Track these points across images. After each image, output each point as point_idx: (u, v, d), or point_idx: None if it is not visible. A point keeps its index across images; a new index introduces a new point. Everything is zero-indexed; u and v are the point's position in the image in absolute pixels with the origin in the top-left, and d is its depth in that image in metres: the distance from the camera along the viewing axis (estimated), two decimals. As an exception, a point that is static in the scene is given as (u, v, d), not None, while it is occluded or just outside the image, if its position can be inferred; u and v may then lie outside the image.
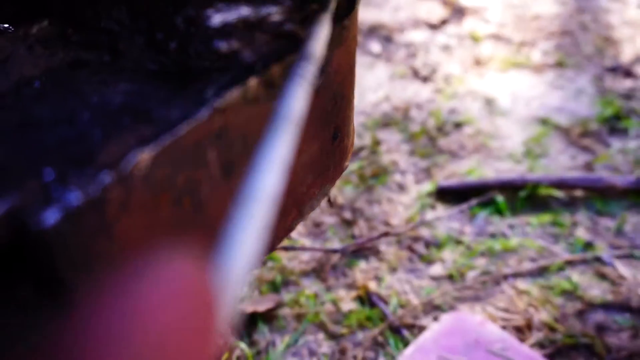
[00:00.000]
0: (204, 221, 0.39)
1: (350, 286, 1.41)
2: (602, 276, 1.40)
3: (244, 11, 0.40)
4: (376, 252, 1.50)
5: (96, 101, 0.37)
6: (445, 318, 1.27)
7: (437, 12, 2.79)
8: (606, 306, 1.32)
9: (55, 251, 0.30)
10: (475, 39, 2.53)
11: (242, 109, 0.38)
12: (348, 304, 1.37)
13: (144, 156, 0.33)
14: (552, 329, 1.26)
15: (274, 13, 0.41)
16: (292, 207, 0.48)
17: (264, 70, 0.39)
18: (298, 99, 0.34)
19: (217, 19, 0.39)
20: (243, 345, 1.25)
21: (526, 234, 1.54)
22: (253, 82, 0.39)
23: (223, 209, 0.40)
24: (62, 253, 0.30)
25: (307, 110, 0.45)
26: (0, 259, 0.30)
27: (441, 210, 1.63)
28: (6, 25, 0.61)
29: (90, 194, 0.30)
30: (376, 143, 1.88)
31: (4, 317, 0.31)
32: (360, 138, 1.91)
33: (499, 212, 1.60)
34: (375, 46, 2.50)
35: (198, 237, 0.39)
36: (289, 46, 0.42)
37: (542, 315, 1.30)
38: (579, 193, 1.64)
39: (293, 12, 0.42)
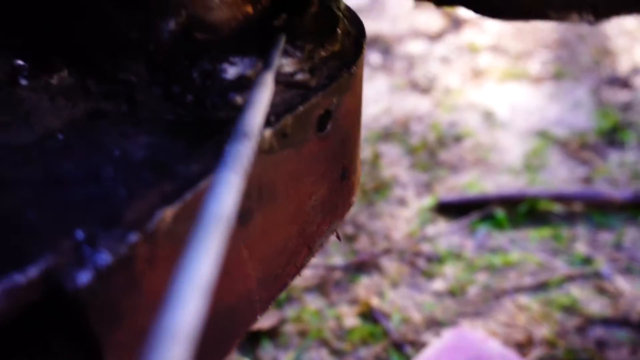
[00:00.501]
0: (221, 267, 0.40)
1: (353, 302, 1.43)
2: (602, 291, 1.42)
3: (258, 64, 0.42)
4: (378, 268, 1.51)
5: (118, 155, 0.38)
6: (447, 334, 1.29)
7: (436, 23, 2.81)
8: (606, 321, 1.33)
9: (87, 308, 0.31)
10: (473, 50, 2.55)
11: (257, 159, 0.40)
12: (351, 320, 1.38)
13: (167, 213, 0.34)
14: (552, 345, 1.28)
15: (285, 64, 0.43)
16: (303, 247, 0.50)
17: (277, 121, 0.41)
18: (231, 191, 0.29)
19: (232, 71, 0.41)
20: (248, 362, 1.27)
21: (526, 248, 1.56)
22: (268, 133, 0.40)
23: (238, 255, 0.42)
24: (94, 309, 0.32)
25: (314, 155, 0.46)
26: (35, 315, 0.32)
27: (442, 224, 1.64)
28: (21, 63, 0.63)
29: (119, 254, 0.32)
30: (377, 157, 1.90)
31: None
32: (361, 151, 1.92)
33: (499, 226, 1.62)
34: (374, 58, 2.52)
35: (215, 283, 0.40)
36: (299, 95, 0.44)
37: (543, 331, 1.32)
38: (578, 207, 1.66)
39: (303, 62, 0.44)
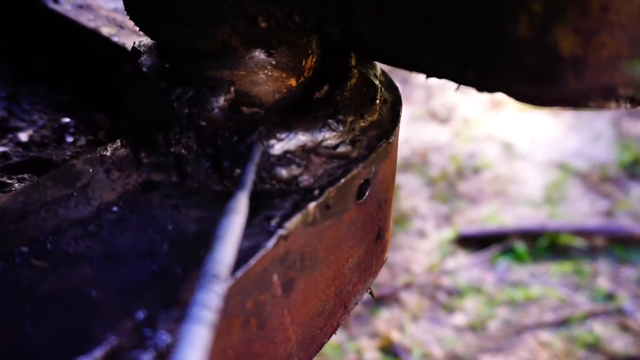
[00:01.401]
0: (265, 335, 0.42)
1: (373, 335, 1.43)
2: (625, 328, 1.41)
3: (302, 138, 0.44)
4: (398, 301, 1.52)
5: (172, 230, 0.40)
6: (469, 370, 1.29)
7: (454, 52, 2.84)
8: (630, 360, 1.32)
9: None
10: (492, 80, 2.57)
11: (302, 232, 0.42)
12: (371, 354, 1.39)
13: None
14: (576, 384, 1.27)
15: (328, 138, 0.45)
16: (340, 307, 0.51)
17: (321, 194, 0.43)
18: (197, 349, 0.28)
19: (278, 147, 0.43)
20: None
21: (547, 282, 1.55)
22: (312, 206, 0.42)
23: (281, 321, 0.43)
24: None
25: (353, 221, 0.48)
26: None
27: (462, 257, 1.65)
28: (67, 120, 0.66)
29: (177, 334, 0.33)
30: (396, 188, 1.91)
31: None
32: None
33: (520, 260, 1.62)
34: (393, 87, 2.55)
35: (259, 349, 0.42)
36: (341, 167, 0.45)
37: (566, 369, 1.31)
38: (599, 241, 1.65)
39: (344, 134, 0.46)
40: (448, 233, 1.72)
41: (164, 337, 0.33)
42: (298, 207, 0.42)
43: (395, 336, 1.41)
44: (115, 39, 0.66)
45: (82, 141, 0.63)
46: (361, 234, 0.50)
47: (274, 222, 0.40)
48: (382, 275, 1.58)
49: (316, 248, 0.44)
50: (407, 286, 1.54)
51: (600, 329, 1.41)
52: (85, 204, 0.42)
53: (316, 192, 0.43)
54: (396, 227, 1.75)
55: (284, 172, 0.43)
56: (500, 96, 0.40)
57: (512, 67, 0.35)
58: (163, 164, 0.45)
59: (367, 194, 0.48)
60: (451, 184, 1.93)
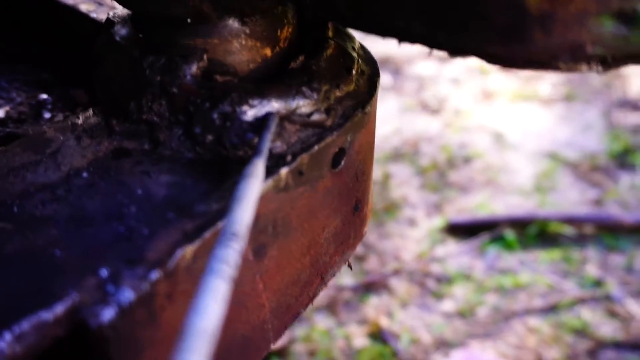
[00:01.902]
0: (236, 300, 0.42)
1: (362, 322, 1.43)
2: (613, 314, 1.42)
3: (275, 105, 0.43)
4: (387, 288, 1.52)
5: (141, 194, 0.40)
6: (456, 355, 1.29)
7: (446, 44, 2.83)
8: (617, 345, 1.33)
9: (109, 343, 0.33)
10: (483, 71, 2.57)
11: (274, 197, 0.42)
12: (360, 340, 1.39)
13: (187, 251, 0.36)
14: (563, 369, 1.27)
15: (302, 105, 0.45)
16: (316, 277, 0.51)
17: (293, 160, 0.43)
18: (216, 300, 0.28)
19: (250, 113, 0.43)
20: (257, 382, 1.27)
21: (536, 270, 1.56)
22: (284, 172, 0.42)
23: (253, 286, 0.43)
24: (116, 343, 0.33)
25: (328, 190, 0.48)
26: (60, 350, 0.33)
27: (452, 245, 1.65)
28: (45, 97, 0.65)
29: (141, 291, 0.33)
30: (387, 177, 1.91)
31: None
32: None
33: (509, 247, 1.62)
34: (384, 79, 2.54)
35: (230, 314, 0.42)
36: (315, 135, 0.45)
37: (553, 354, 1.31)
38: (588, 229, 1.66)
39: (319, 103, 0.45)
40: (438, 221, 1.72)
41: (127, 294, 0.33)
42: (269, 172, 0.41)
43: (384, 322, 1.42)
44: (93, 15, 0.66)
45: (60, 117, 0.62)
46: (337, 204, 0.50)
47: (244, 186, 0.40)
48: (372, 263, 1.58)
49: (289, 214, 0.44)
50: (396, 273, 1.54)
51: (588, 315, 1.41)
52: (55, 169, 0.42)
53: (289, 157, 0.43)
54: (386, 215, 1.75)
55: (256, 139, 0.43)
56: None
57: (481, 25, 0.35)
58: (135, 131, 0.45)
59: (342, 163, 0.48)
60: (442, 174, 1.93)
